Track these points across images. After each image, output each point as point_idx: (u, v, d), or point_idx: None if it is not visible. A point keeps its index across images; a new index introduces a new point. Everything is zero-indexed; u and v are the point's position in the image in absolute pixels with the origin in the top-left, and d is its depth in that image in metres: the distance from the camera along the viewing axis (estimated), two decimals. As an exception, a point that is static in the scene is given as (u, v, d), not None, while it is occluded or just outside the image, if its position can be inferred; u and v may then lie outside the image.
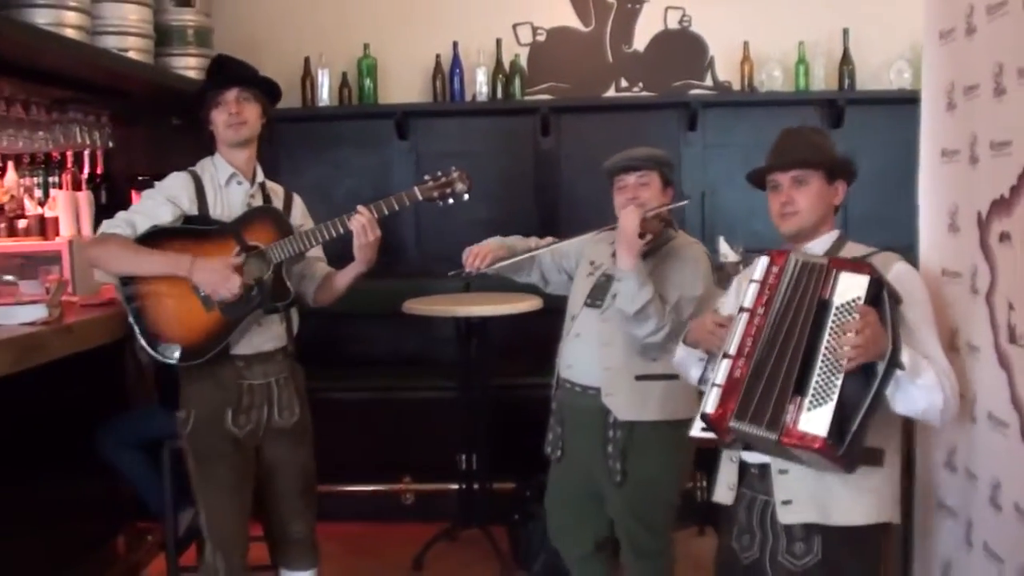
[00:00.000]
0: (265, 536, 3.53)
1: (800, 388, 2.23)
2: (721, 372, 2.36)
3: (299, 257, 3.36)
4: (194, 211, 3.26)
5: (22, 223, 4.49)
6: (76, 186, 5.01)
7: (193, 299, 3.18)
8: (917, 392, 2.24)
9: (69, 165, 5.03)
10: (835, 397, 2.19)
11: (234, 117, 3.28)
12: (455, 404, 4.92)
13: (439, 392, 5.10)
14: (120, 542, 4.35)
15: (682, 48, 5.58)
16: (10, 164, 4.74)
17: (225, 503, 3.28)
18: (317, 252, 3.49)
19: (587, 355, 3.15)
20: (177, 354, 3.19)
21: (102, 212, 4.99)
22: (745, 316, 2.38)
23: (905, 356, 2.22)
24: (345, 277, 3.44)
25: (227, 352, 3.23)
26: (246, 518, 3.36)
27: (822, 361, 2.22)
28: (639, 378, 3.08)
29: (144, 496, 4.00)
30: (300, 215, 3.51)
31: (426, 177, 3.36)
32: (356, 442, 5.16)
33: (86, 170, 5.12)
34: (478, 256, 3.30)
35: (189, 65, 4.96)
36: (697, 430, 2.44)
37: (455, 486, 4.97)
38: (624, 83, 5.63)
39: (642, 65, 5.60)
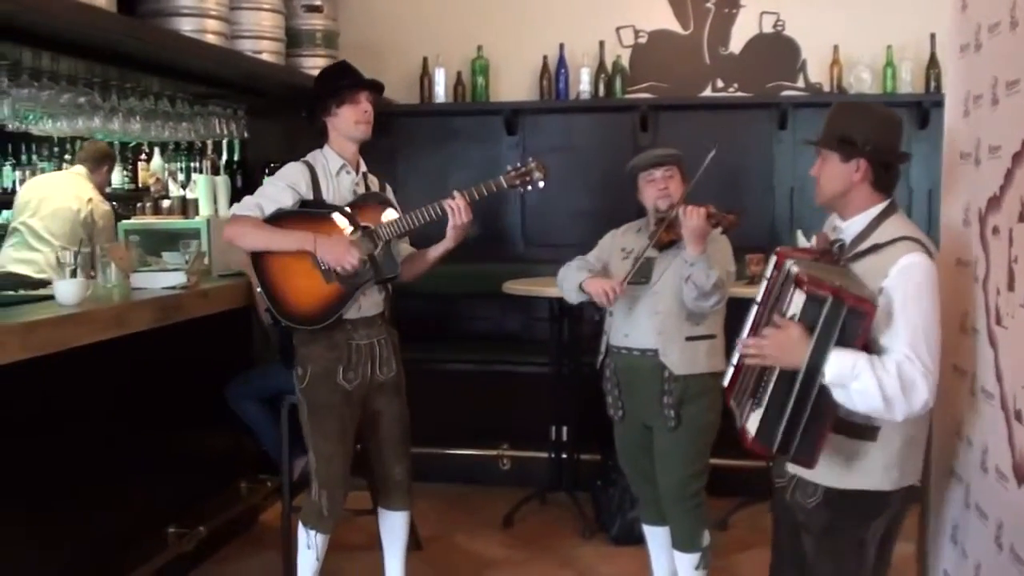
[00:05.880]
0: (369, 481, 4.00)
1: (754, 391, 2.56)
2: (736, 355, 2.73)
3: (404, 236, 3.75)
4: (310, 196, 3.68)
5: (166, 203, 5.05)
6: (215, 171, 5.58)
7: (315, 273, 3.61)
8: (853, 395, 2.42)
9: (209, 152, 5.61)
10: (764, 404, 2.50)
11: (366, 116, 3.70)
12: (549, 379, 5.33)
13: (535, 368, 5.49)
14: (242, 486, 4.86)
15: (776, 51, 5.81)
16: (156, 151, 5.35)
17: (333, 449, 3.71)
18: None
19: (642, 323, 3.61)
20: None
21: (237, 195, 5.55)
22: (754, 309, 2.69)
23: (836, 364, 2.38)
24: (436, 251, 3.82)
25: (340, 317, 3.66)
26: (349, 464, 3.78)
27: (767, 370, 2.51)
28: (689, 339, 3.57)
29: (264, 444, 4.50)
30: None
31: (508, 167, 3.71)
32: (460, 410, 5.60)
33: (224, 157, 5.69)
34: (611, 290, 3.54)
35: (317, 65, 5.32)
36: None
37: (546, 455, 5.37)
38: (720, 83, 5.89)
39: (737, 67, 5.85)
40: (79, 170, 5.45)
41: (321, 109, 3.72)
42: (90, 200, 5.37)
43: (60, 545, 3.56)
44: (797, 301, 2.43)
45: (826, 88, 5.73)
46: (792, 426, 2.48)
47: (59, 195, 5.35)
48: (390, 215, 3.71)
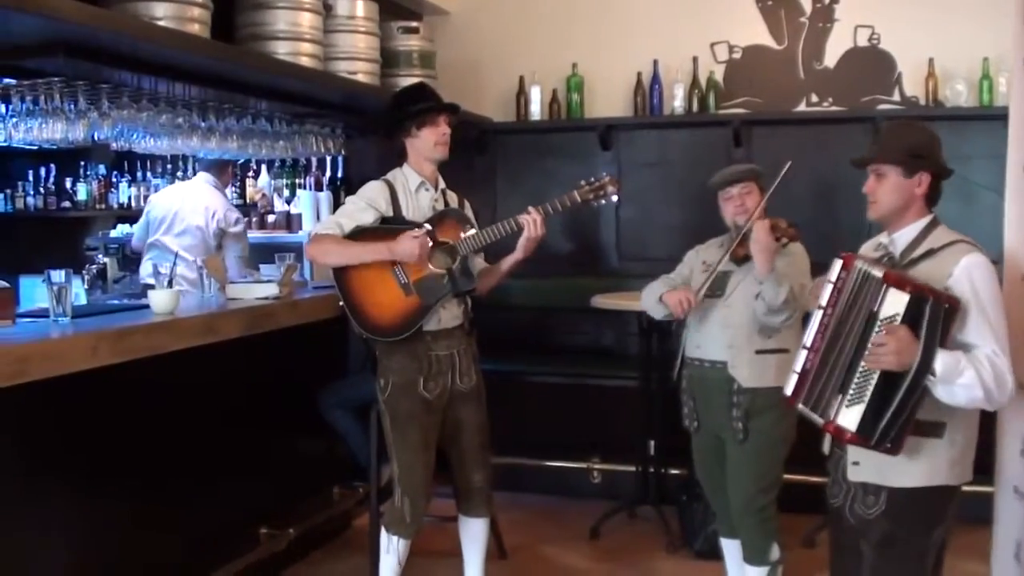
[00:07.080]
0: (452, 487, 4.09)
1: (843, 387, 2.62)
2: (799, 361, 2.78)
3: (481, 250, 3.88)
4: (390, 213, 3.81)
5: (271, 218, 5.29)
6: (318, 187, 5.80)
7: (395, 286, 3.75)
8: (957, 390, 2.51)
9: (313, 169, 5.83)
10: (866, 399, 2.57)
11: (444, 138, 3.83)
12: (638, 393, 5.36)
13: (625, 381, 5.51)
14: (335, 491, 5.01)
15: (871, 64, 5.73)
16: (263, 168, 5.58)
17: (415, 458, 3.81)
18: None
19: (713, 336, 3.69)
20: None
21: (339, 210, 5.77)
22: (819, 313, 2.73)
23: (942, 362, 2.48)
24: (507, 263, 3.93)
25: (420, 329, 3.78)
26: (431, 472, 3.88)
27: (861, 367, 2.57)
28: (759, 352, 3.61)
29: (354, 451, 4.66)
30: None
31: (582, 182, 3.80)
32: (553, 422, 5.69)
33: (328, 173, 5.89)
34: (683, 301, 3.66)
35: (415, 85, 5.56)
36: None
37: (633, 468, 5.40)
38: (815, 98, 5.84)
39: (832, 81, 5.80)
40: (205, 176, 5.56)
41: (401, 131, 3.85)
42: (215, 213, 5.54)
43: (159, 538, 3.75)
44: (895, 301, 2.52)
45: (922, 102, 5.62)
46: (895, 419, 2.56)
47: (187, 212, 5.46)
48: (468, 230, 3.83)
